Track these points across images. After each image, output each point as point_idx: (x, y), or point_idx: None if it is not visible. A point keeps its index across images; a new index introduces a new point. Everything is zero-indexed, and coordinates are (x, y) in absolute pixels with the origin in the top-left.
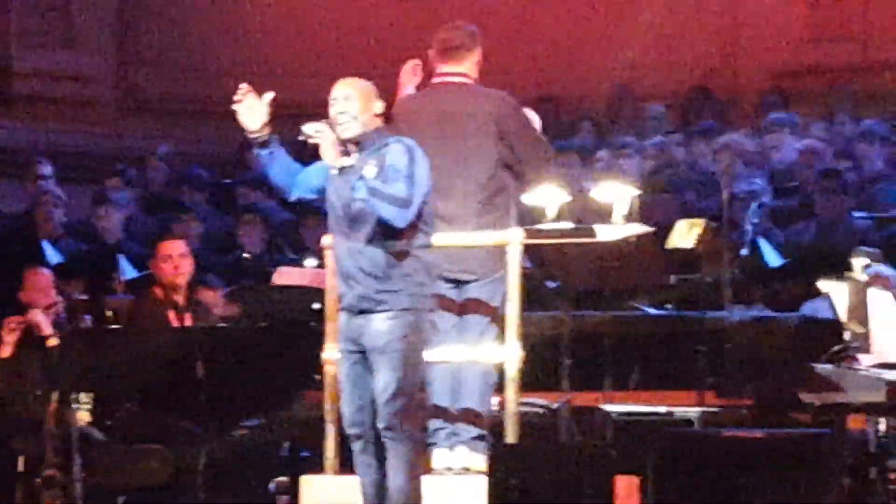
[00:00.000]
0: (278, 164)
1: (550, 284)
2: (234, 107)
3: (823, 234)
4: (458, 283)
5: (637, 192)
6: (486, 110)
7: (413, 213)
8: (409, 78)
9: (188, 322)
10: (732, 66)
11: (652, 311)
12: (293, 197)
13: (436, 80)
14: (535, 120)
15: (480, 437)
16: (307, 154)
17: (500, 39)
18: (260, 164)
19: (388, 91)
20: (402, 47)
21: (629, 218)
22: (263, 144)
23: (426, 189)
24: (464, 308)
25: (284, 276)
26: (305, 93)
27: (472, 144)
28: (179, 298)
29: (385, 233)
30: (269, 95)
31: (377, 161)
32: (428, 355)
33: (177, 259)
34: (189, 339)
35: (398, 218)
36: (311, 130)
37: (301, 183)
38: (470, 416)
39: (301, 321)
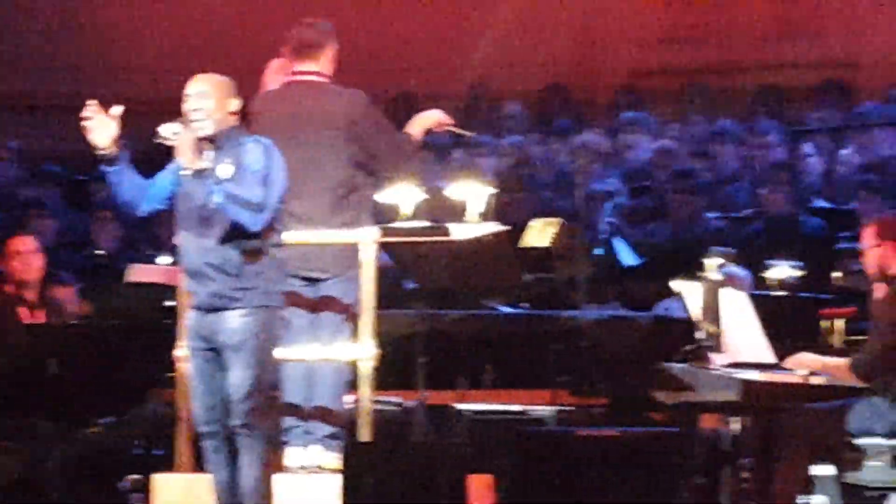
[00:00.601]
0: (126, 181)
1: (406, 283)
2: (83, 123)
3: (677, 234)
4: (313, 282)
5: (492, 190)
6: (339, 109)
7: (268, 217)
8: (273, 77)
9: (40, 319)
10: (588, 65)
11: (507, 309)
12: (142, 213)
13: (290, 78)
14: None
15: (334, 436)
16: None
17: (355, 37)
18: (108, 181)
19: (252, 89)
20: (262, 45)
21: (484, 217)
22: (111, 161)
23: (282, 190)
24: (318, 306)
25: (138, 273)
26: (158, 90)
27: (324, 143)
28: (31, 295)
29: (238, 233)
30: (118, 109)
31: (233, 160)
32: (282, 353)
33: (26, 256)
34: (41, 337)
35: (253, 223)
36: (168, 132)
37: (151, 196)
38: (324, 415)
39: (154, 319)
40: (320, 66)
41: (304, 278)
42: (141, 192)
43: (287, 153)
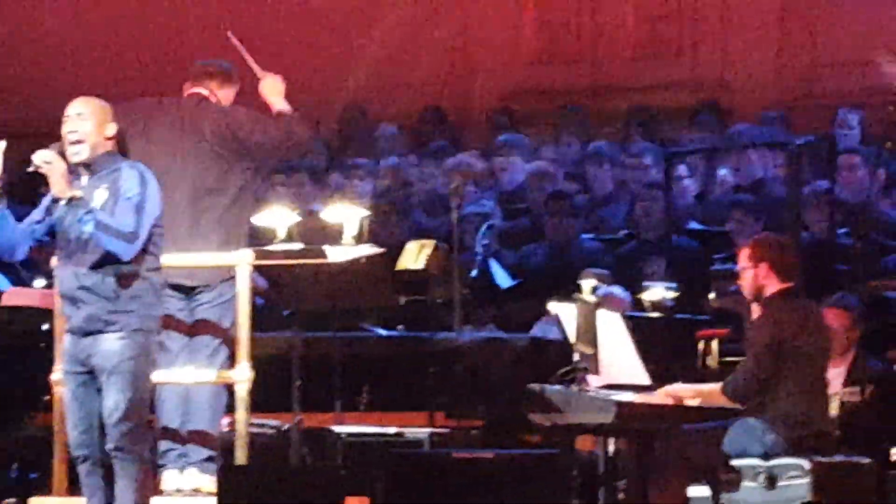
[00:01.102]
0: (2, 227)
1: (281, 306)
2: None
3: (553, 256)
4: (186, 290)
5: (366, 213)
6: (216, 124)
7: (140, 246)
8: None
9: None
10: (463, 87)
11: (382, 332)
12: (19, 256)
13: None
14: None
15: (210, 459)
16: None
17: (232, 60)
18: None
19: None
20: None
21: (359, 239)
22: None
23: (156, 215)
24: (194, 329)
25: (14, 296)
26: (37, 112)
27: (199, 163)
28: None
29: (111, 259)
30: (1, 145)
31: (108, 186)
32: (158, 376)
33: None
34: None
35: (125, 252)
36: (41, 160)
37: (27, 237)
38: (200, 438)
39: (30, 342)
40: (210, 92)
41: (178, 287)
42: (18, 236)
43: (163, 173)
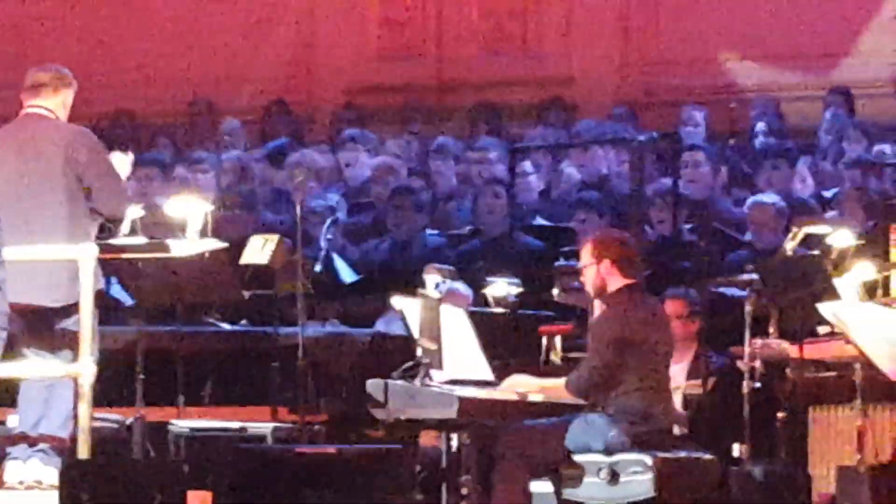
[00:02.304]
0: None
1: (124, 300)
2: None
3: (396, 251)
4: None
5: (210, 207)
6: (60, 141)
7: None
8: None
9: None
10: (307, 82)
11: (226, 326)
12: None
13: (22, 112)
14: (125, 163)
15: (54, 452)
16: None
17: (77, 53)
18: None
19: None
20: None
21: (203, 233)
22: None
23: None
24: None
25: None
26: None
27: (44, 171)
28: None
29: None
30: None
31: None
32: (2, 370)
33: None
34: None
35: None
36: None
37: None
38: (52, 432)
39: None
40: (51, 105)
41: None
42: None
43: (7, 182)
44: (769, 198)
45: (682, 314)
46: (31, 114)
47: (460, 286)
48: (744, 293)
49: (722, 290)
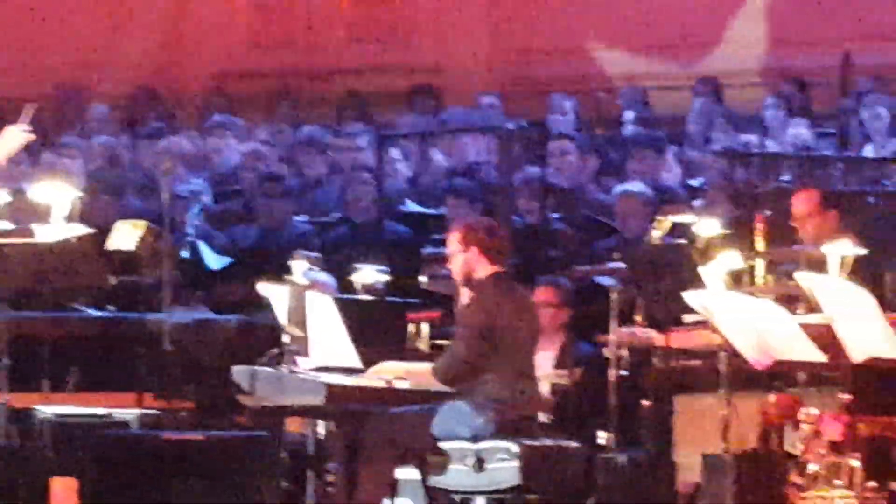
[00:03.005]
0: None
1: None
2: None
3: (264, 238)
4: None
5: (77, 192)
6: None
7: None
8: None
9: None
10: (176, 67)
11: (92, 312)
12: None
13: None
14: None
15: None
16: None
17: None
18: None
19: None
20: None
21: (69, 218)
22: None
23: None
24: None
25: None
26: None
27: None
28: None
29: None
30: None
31: None
32: None
33: None
34: None
35: None
36: None
37: None
38: None
39: None
40: None
41: None
42: None
43: None
44: (636, 187)
45: (551, 302)
46: None
47: (322, 276)
48: (610, 282)
49: (589, 278)
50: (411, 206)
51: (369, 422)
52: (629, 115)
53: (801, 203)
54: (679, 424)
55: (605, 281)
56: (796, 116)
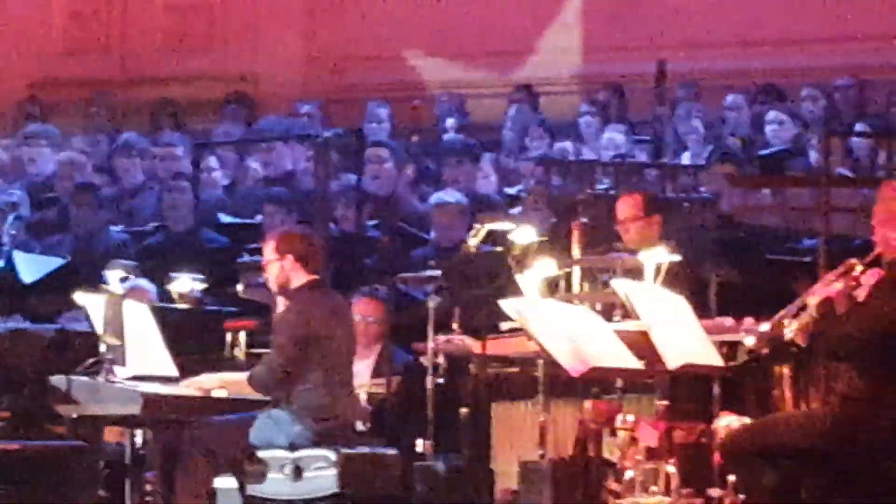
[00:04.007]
0: None
1: None
2: None
3: (80, 247)
4: None
5: None
6: None
7: None
8: None
9: None
10: None
11: None
12: None
13: None
14: None
15: None
16: None
17: None
18: None
19: None
20: None
21: None
22: None
23: None
24: None
25: None
26: None
27: None
28: None
29: None
30: None
31: None
32: None
33: None
34: None
35: None
36: None
37: None
38: None
39: None
40: None
41: None
42: None
43: None
44: (451, 196)
45: (369, 312)
46: None
47: (143, 282)
48: (427, 290)
49: (406, 287)
50: (225, 219)
51: (187, 431)
52: (451, 122)
53: (625, 207)
54: (497, 432)
55: (423, 289)
56: (612, 123)
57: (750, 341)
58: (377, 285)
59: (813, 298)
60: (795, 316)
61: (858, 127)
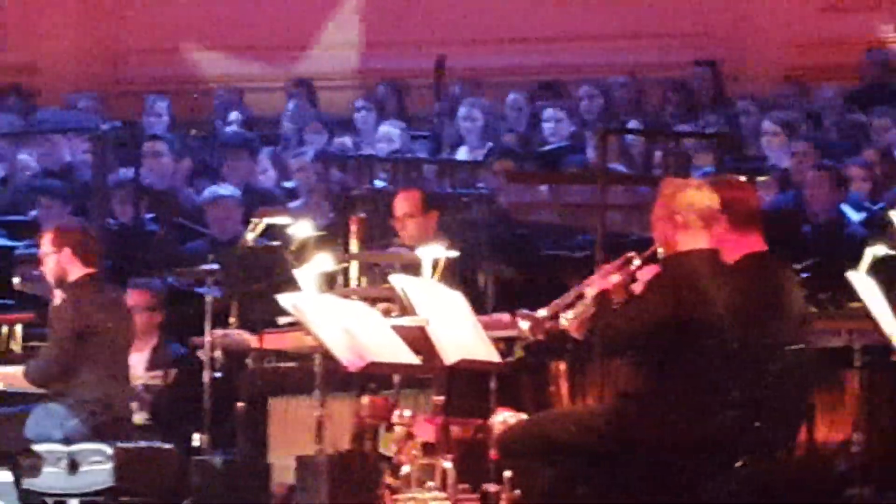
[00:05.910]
0: None
1: None
2: None
3: None
4: None
5: None
6: None
7: None
8: None
9: None
10: None
11: None
12: None
13: None
14: None
15: None
16: None
17: None
18: None
19: None
20: None
21: None
22: None
23: None
24: None
25: None
26: None
27: None
28: None
29: None
30: None
31: None
32: None
33: None
34: None
35: None
36: None
37: None
38: None
39: None
40: None
41: None
42: None
43: None
44: (226, 190)
45: (144, 304)
46: None
47: None
48: (205, 284)
49: (183, 280)
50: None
51: None
52: (234, 115)
53: (403, 203)
54: (273, 426)
55: (200, 283)
56: (390, 119)
57: (525, 325)
58: (152, 278)
59: (591, 290)
60: (572, 305)
61: (632, 124)
